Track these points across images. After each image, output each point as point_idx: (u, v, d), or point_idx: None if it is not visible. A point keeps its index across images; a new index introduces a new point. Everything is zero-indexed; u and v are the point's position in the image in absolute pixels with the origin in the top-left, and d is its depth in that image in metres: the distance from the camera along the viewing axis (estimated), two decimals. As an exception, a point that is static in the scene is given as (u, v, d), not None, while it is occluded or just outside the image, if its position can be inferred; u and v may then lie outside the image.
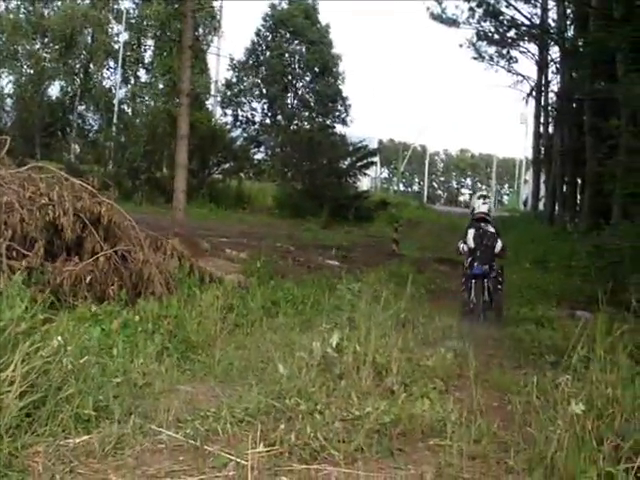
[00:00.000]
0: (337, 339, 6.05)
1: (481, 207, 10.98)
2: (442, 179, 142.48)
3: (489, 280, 10.52)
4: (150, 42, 58.25)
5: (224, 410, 4.86)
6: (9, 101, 54.71)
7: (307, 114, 60.22)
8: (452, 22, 39.75)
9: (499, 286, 10.68)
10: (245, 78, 61.71)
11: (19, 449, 4.10)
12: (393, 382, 5.75)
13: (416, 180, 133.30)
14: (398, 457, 4.53)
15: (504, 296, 11.13)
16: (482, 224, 10.85)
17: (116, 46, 56.56)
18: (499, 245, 10.80)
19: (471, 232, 10.80)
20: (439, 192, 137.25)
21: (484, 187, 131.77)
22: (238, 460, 4.16)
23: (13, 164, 9.53)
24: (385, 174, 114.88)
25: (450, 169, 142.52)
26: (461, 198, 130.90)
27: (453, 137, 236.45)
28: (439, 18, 40.11)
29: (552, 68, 38.92)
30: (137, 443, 4.39)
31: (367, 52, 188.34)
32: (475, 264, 10.54)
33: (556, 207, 34.76)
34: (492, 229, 10.85)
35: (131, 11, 57.26)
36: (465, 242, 10.81)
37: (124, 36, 56.28)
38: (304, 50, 60.96)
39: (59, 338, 5.13)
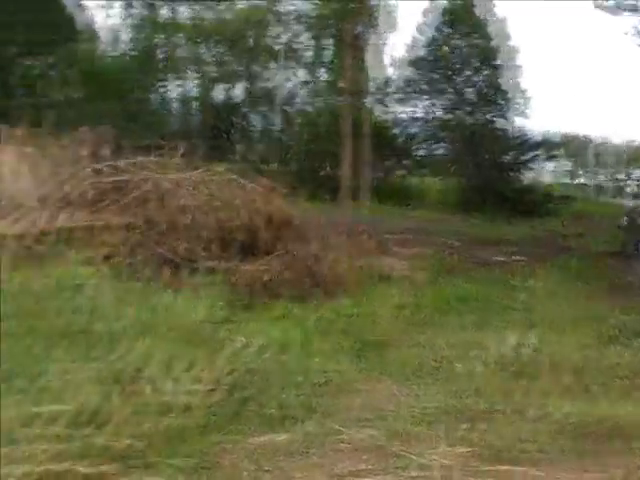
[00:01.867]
0: (514, 338, 5.95)
1: None
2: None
3: None
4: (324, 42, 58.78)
5: (403, 409, 4.86)
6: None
7: (481, 108, 59.16)
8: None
9: None
10: (411, 75, 61.46)
11: (208, 447, 4.26)
12: (576, 382, 5.57)
13: (599, 173, 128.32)
14: (586, 458, 4.34)
15: None
16: None
17: (278, 47, 57.44)
18: None
19: None
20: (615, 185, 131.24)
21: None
22: (422, 460, 4.15)
23: (188, 168, 9.92)
24: (568, 167, 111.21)
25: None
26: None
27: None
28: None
29: None
30: (320, 442, 4.45)
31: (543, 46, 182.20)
32: None
33: None
34: None
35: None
36: None
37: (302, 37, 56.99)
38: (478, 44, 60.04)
39: (242, 338, 5.32)
